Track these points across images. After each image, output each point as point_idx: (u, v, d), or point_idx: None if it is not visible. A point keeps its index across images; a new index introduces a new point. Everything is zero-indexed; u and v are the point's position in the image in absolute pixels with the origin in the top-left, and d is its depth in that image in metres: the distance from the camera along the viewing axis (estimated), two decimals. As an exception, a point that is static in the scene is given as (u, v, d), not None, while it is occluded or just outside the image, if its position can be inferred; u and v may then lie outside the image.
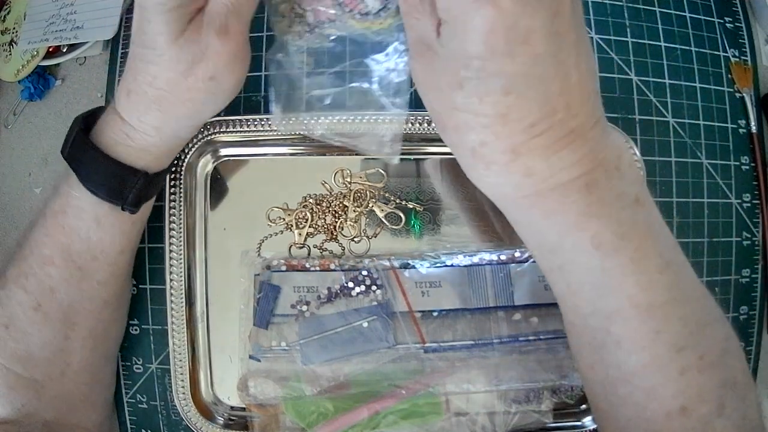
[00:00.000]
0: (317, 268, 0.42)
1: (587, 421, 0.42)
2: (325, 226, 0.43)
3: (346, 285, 0.41)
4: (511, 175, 0.27)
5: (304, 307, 0.41)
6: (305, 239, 0.43)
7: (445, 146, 0.43)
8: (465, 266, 0.42)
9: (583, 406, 0.42)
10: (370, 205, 0.43)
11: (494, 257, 0.42)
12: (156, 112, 0.34)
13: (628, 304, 0.27)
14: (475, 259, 0.42)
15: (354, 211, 0.43)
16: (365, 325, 0.40)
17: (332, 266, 0.42)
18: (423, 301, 0.41)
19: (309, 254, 0.43)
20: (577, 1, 0.25)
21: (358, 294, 0.41)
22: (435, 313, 0.41)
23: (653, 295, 0.27)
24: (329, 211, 0.43)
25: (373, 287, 0.41)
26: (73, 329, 0.37)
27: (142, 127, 0.35)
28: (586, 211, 0.27)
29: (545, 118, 0.25)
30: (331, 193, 0.43)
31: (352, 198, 0.43)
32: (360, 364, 0.40)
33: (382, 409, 0.39)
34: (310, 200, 0.43)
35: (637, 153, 0.42)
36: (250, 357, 0.41)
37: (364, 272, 0.41)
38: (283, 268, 0.42)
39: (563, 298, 0.31)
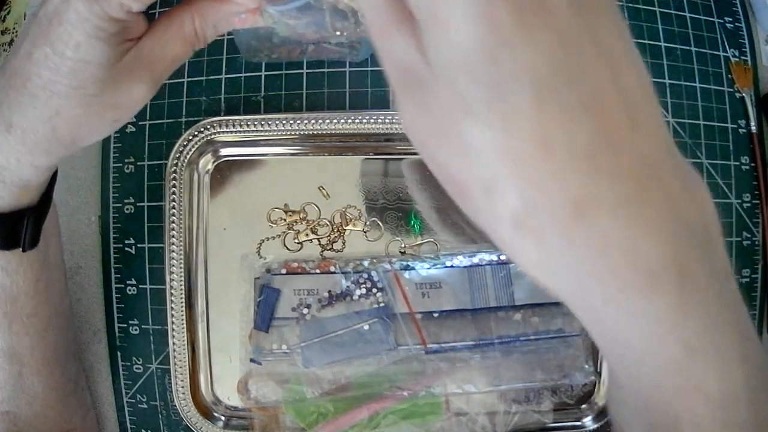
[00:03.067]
0: (317, 271, 0.42)
1: (587, 421, 0.42)
2: (329, 227, 0.43)
3: (346, 288, 0.41)
4: (576, 249, 0.17)
5: (305, 310, 0.41)
6: (303, 241, 0.43)
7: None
8: (465, 267, 0.42)
9: (584, 406, 0.42)
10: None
11: (494, 257, 0.42)
12: (42, 154, 0.29)
13: (702, 400, 0.20)
14: (475, 260, 0.42)
15: (352, 216, 0.43)
16: (366, 327, 0.40)
17: (332, 269, 0.42)
18: (423, 302, 0.41)
19: (307, 255, 0.43)
20: None
21: (359, 297, 0.41)
22: (436, 314, 0.41)
23: (731, 389, 0.20)
24: (329, 214, 0.43)
25: (374, 289, 0.41)
26: (23, 365, 0.36)
27: (20, 168, 0.30)
28: (681, 309, 0.18)
29: (607, 136, 0.17)
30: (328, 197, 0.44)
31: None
32: (361, 367, 0.40)
33: (381, 409, 0.39)
34: (312, 203, 0.43)
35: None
36: (251, 360, 0.41)
37: (365, 275, 0.41)
38: (283, 271, 0.42)
39: (619, 385, 0.24)
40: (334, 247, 0.43)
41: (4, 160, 0.30)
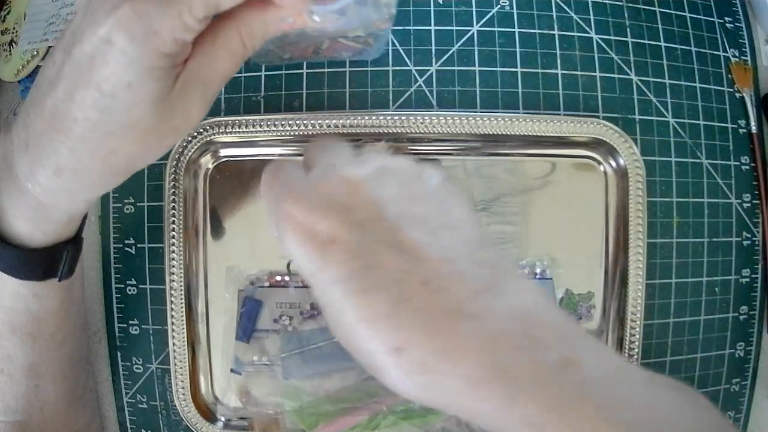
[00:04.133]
0: (300, 285, 0.42)
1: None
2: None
3: None
4: (408, 377, 0.23)
5: (287, 321, 0.41)
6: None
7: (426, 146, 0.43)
8: None
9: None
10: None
11: None
12: (98, 188, 0.29)
13: None
14: None
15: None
16: None
17: None
18: None
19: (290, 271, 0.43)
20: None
21: None
22: None
23: None
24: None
25: None
26: (40, 378, 0.36)
27: (71, 206, 0.30)
28: (507, 399, 0.23)
29: (401, 302, 0.23)
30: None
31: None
32: (340, 380, 0.40)
33: (381, 409, 0.38)
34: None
35: (637, 153, 0.42)
36: (231, 370, 0.41)
37: None
38: (267, 284, 0.42)
39: None
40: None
41: (53, 200, 0.29)
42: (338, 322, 0.24)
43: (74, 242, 0.33)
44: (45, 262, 0.32)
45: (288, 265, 0.42)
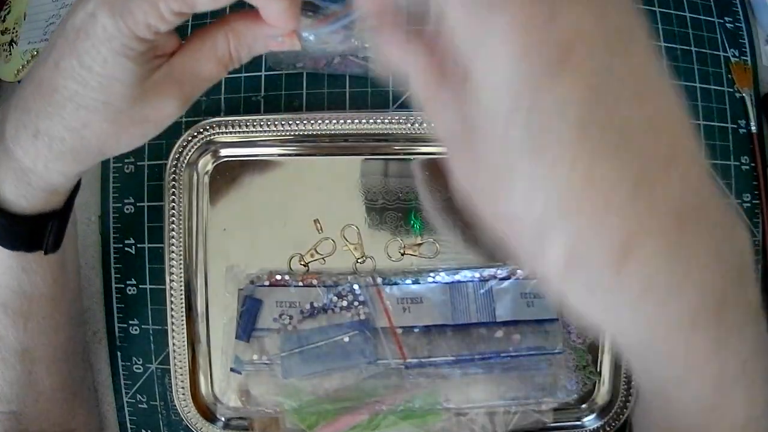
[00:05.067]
0: (300, 284, 0.42)
1: (587, 420, 0.42)
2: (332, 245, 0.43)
3: (329, 300, 0.41)
4: (623, 288, 0.18)
5: (287, 320, 0.41)
6: (309, 262, 0.43)
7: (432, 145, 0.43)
8: (447, 283, 0.42)
9: (583, 406, 0.42)
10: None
11: (476, 274, 0.42)
12: (70, 162, 0.30)
13: (728, 425, 0.22)
14: (458, 276, 0.42)
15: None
16: (346, 339, 0.40)
17: (315, 282, 0.42)
18: (404, 317, 0.41)
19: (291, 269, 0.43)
20: None
21: (340, 309, 0.41)
22: (416, 329, 0.41)
23: (754, 412, 0.22)
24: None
25: (356, 303, 0.41)
26: (33, 364, 0.36)
27: (47, 174, 0.30)
28: (716, 344, 0.20)
29: (646, 178, 0.17)
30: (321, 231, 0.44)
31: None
32: (340, 380, 0.40)
33: (381, 409, 0.39)
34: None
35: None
36: (231, 369, 0.41)
37: (347, 288, 0.41)
38: (266, 283, 0.42)
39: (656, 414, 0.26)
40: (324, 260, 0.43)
41: (31, 164, 0.30)
42: (530, 187, 0.18)
43: (59, 215, 0.33)
44: (30, 231, 0.32)
45: (289, 262, 0.42)
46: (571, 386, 0.41)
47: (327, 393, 0.40)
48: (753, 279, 0.20)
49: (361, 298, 0.41)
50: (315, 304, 0.41)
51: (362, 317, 0.40)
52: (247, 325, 0.41)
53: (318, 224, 0.43)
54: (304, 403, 0.39)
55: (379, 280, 0.42)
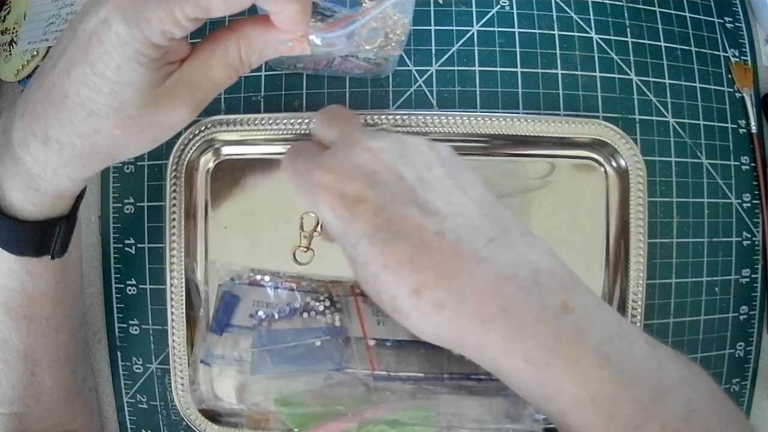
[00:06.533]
0: (279, 286, 0.42)
1: None
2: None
3: (306, 304, 0.41)
4: (426, 316, 0.27)
5: (262, 316, 0.41)
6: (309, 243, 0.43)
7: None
8: None
9: None
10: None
11: None
12: (80, 167, 0.30)
13: (571, 401, 0.27)
14: None
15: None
16: (318, 344, 0.40)
17: (294, 285, 0.41)
18: (378, 329, 0.41)
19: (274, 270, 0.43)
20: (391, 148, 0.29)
21: (316, 314, 0.41)
22: (388, 343, 0.41)
23: (595, 389, 0.26)
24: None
25: (332, 309, 0.41)
26: (36, 365, 0.36)
27: (56, 179, 0.30)
28: (511, 335, 0.26)
29: (418, 246, 0.26)
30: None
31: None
32: (305, 384, 0.40)
33: (371, 417, 0.38)
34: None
35: (638, 153, 0.42)
36: (201, 361, 0.41)
37: (325, 294, 0.41)
38: (246, 282, 0.42)
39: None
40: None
41: (40, 171, 0.30)
42: (365, 274, 0.27)
43: (67, 220, 0.33)
44: (37, 237, 0.32)
45: (293, 254, 0.42)
46: (539, 416, 0.39)
47: (293, 395, 0.39)
48: (556, 284, 0.27)
49: (338, 306, 0.41)
50: (292, 306, 0.41)
51: (337, 324, 0.40)
52: (222, 319, 0.41)
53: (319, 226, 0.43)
54: (291, 401, 0.39)
55: (358, 290, 0.41)
